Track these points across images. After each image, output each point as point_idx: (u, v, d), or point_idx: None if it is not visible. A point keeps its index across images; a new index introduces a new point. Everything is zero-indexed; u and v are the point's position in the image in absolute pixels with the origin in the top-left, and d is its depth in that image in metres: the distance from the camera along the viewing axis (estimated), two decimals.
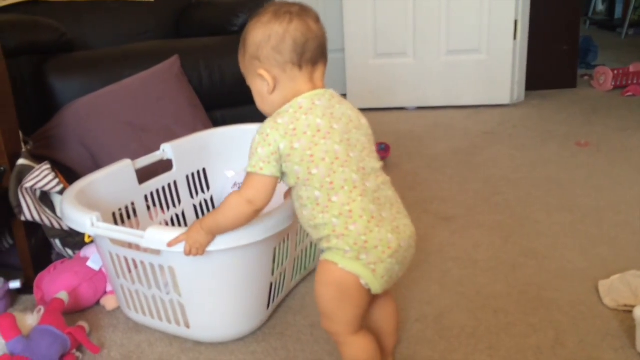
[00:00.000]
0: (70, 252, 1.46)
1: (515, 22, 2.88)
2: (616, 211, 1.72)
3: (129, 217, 1.44)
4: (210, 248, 1.04)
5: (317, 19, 0.97)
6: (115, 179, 1.40)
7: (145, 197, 1.49)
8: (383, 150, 2.21)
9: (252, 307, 1.21)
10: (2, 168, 1.38)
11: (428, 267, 1.47)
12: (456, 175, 2.10)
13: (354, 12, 2.96)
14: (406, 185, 2.03)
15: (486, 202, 1.85)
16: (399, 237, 0.92)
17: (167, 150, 1.54)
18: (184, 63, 1.94)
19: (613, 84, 3.17)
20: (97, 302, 1.38)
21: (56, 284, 1.34)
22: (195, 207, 1.64)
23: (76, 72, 1.84)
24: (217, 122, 1.95)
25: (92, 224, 1.14)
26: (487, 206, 1.82)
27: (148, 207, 1.49)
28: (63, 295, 1.24)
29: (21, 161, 1.38)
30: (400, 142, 2.49)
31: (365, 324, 1.00)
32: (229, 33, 2.18)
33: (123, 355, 1.19)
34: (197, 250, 1.03)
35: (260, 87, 0.98)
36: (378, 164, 0.97)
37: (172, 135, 1.67)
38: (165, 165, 1.56)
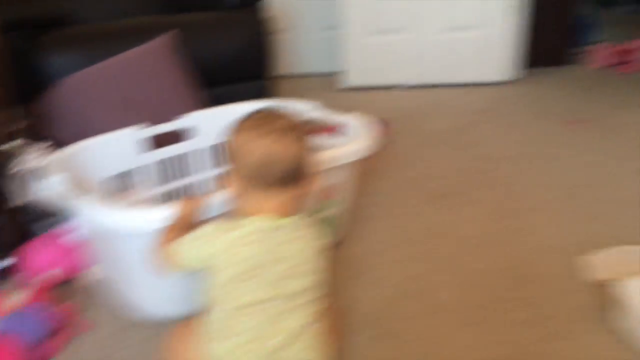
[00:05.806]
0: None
1: None
2: (609, 187, 1.73)
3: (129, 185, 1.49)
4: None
5: (297, 139, 0.91)
6: (115, 145, 1.46)
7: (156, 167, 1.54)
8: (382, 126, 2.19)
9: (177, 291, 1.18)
10: None
11: (414, 244, 1.48)
12: (451, 152, 2.11)
13: None
14: (401, 162, 2.03)
15: (480, 179, 1.85)
16: None
17: (178, 123, 1.57)
18: (179, 39, 1.93)
19: (611, 61, 3.15)
20: (79, 274, 1.38)
21: (41, 254, 1.34)
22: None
23: (70, 48, 1.83)
24: (212, 100, 1.94)
25: (56, 184, 1.20)
26: (482, 183, 1.82)
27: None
28: (51, 274, 1.25)
29: (15, 142, 1.38)
30: (397, 120, 2.48)
31: None
32: (224, 9, 2.17)
33: (111, 333, 1.20)
34: None
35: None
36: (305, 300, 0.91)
37: (166, 111, 1.66)
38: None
